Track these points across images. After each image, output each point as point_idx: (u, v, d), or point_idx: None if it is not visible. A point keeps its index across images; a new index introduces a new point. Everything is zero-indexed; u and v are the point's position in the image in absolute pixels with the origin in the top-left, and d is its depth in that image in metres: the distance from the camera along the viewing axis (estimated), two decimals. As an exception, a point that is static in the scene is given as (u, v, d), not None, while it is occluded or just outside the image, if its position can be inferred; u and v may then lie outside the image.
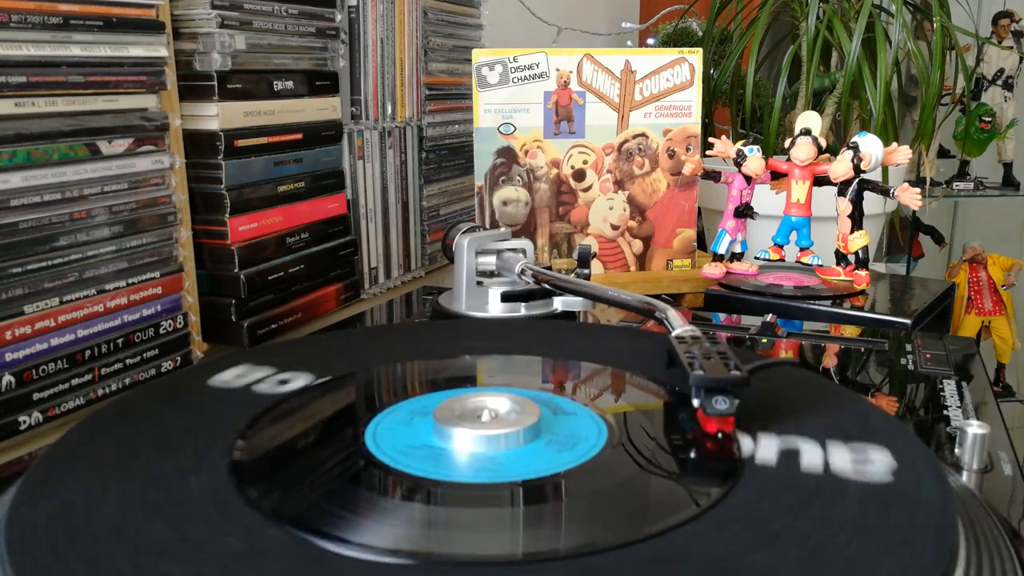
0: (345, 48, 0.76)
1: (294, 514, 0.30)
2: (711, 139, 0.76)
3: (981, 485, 0.38)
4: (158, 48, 0.56)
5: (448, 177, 0.93)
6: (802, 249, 0.77)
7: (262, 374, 0.44)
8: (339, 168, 0.76)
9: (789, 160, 0.75)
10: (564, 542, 0.29)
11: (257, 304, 0.66)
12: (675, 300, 0.76)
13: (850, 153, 0.72)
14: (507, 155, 0.78)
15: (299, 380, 0.43)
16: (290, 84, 0.69)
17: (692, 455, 0.36)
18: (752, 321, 0.62)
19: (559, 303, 0.62)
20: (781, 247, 0.78)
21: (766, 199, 0.78)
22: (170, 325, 0.58)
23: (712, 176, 0.77)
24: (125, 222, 0.55)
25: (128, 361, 0.55)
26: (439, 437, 0.36)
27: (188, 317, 0.60)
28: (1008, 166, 1.75)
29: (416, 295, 0.75)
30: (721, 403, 0.36)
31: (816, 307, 0.67)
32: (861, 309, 0.67)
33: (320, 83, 0.73)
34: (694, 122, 0.80)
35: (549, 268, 0.61)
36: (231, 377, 0.44)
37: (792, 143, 0.75)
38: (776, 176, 0.77)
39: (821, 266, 0.76)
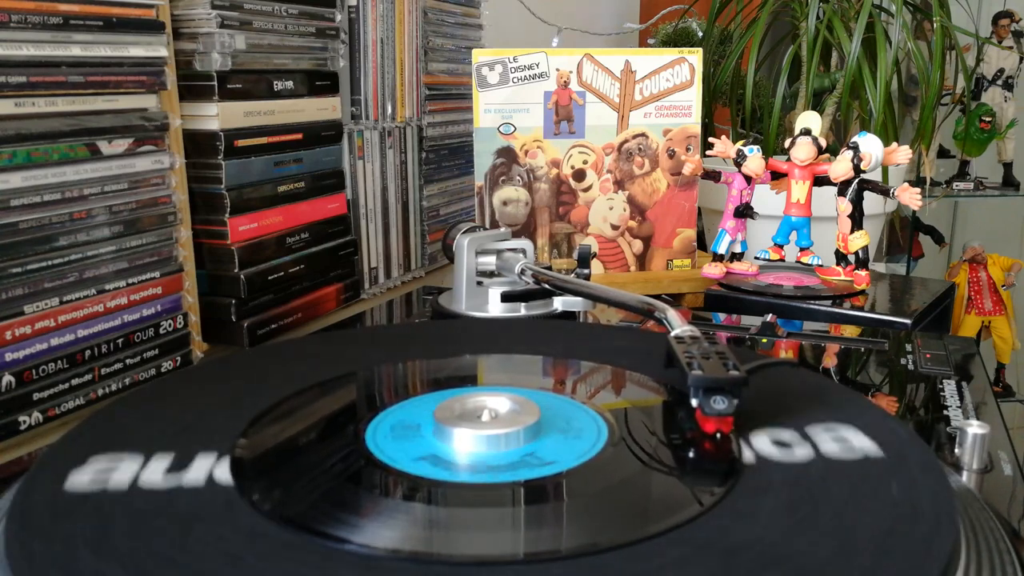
0: (345, 48, 0.76)
1: (295, 515, 0.30)
2: (711, 139, 0.76)
3: (981, 485, 0.38)
4: (158, 48, 0.56)
5: (448, 177, 0.93)
6: (802, 249, 0.77)
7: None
8: (339, 168, 0.76)
9: (789, 160, 0.75)
10: (565, 542, 0.29)
11: (257, 304, 0.66)
12: (675, 300, 0.76)
13: (850, 153, 0.72)
14: (507, 155, 0.78)
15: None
16: (290, 84, 0.69)
17: (691, 455, 0.36)
18: (752, 321, 0.62)
19: (559, 303, 0.62)
20: (781, 247, 0.78)
21: (766, 199, 0.78)
22: (170, 325, 0.58)
23: (712, 176, 0.77)
24: (125, 222, 0.55)
25: (128, 361, 0.55)
26: (439, 437, 0.36)
27: (188, 317, 0.60)
28: (1008, 166, 1.75)
29: (416, 295, 0.75)
30: (719, 403, 0.36)
31: (816, 307, 0.67)
32: (861, 309, 0.67)
33: (320, 83, 0.73)
34: (694, 122, 0.80)
35: (549, 268, 0.61)
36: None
37: (792, 143, 0.75)
38: (776, 176, 0.77)
39: (821, 266, 0.76)
